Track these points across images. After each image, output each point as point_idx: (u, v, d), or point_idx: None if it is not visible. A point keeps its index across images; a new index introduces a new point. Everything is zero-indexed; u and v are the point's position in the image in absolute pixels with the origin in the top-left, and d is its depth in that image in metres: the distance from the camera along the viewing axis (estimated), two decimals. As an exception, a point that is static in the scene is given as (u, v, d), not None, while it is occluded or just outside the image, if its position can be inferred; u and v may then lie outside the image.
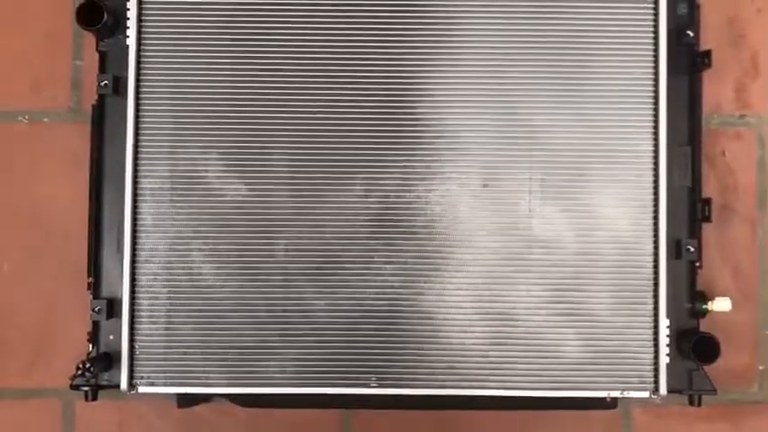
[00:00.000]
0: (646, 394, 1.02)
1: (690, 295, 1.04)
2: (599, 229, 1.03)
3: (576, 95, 1.03)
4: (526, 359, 1.02)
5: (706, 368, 1.02)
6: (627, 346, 1.02)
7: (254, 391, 1.02)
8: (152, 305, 1.02)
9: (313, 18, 1.03)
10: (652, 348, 1.02)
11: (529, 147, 1.03)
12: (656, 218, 1.02)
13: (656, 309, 1.02)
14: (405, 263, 1.02)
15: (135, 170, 1.02)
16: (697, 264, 1.04)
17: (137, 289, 1.02)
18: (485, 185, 1.03)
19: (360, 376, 1.02)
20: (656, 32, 1.03)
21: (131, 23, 1.03)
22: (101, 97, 1.04)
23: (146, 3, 1.03)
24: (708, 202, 1.04)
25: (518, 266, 1.02)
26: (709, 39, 1.08)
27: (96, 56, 1.05)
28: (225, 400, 1.06)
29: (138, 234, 1.02)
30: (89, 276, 1.03)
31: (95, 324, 1.03)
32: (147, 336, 1.02)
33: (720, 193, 1.10)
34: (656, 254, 1.02)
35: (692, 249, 1.03)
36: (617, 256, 1.03)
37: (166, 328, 1.02)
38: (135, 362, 1.01)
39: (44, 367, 1.10)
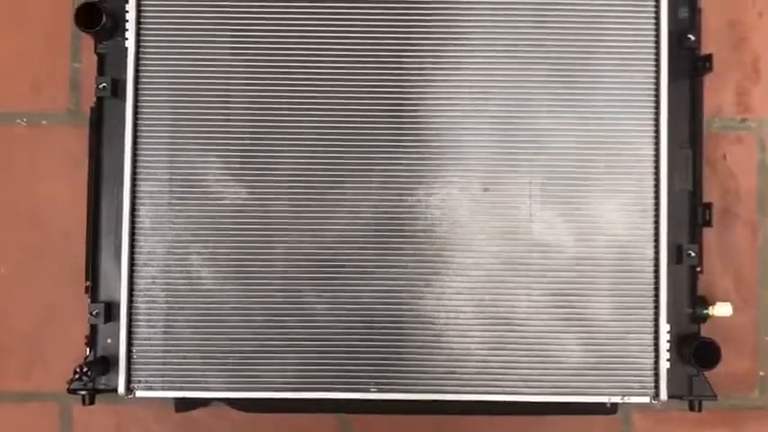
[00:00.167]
0: (646, 400, 1.01)
1: (690, 300, 1.03)
2: (599, 233, 1.02)
3: (577, 99, 1.03)
4: (526, 364, 1.01)
5: (706, 373, 1.02)
6: (627, 351, 1.02)
7: (252, 396, 1.01)
8: (150, 309, 1.02)
9: (312, 23, 1.03)
10: (652, 353, 1.01)
11: (529, 151, 1.03)
12: (656, 222, 1.02)
13: (656, 314, 1.01)
14: (405, 267, 1.02)
15: (133, 173, 1.02)
16: (698, 268, 1.03)
17: (135, 292, 1.01)
18: (485, 189, 1.03)
19: (359, 381, 1.01)
20: (657, 36, 1.03)
21: (130, 26, 1.02)
22: (99, 99, 1.04)
23: (145, 5, 1.03)
24: (709, 206, 1.03)
25: (518, 271, 1.02)
26: (710, 42, 1.08)
27: (95, 58, 1.04)
28: (223, 404, 1.05)
29: (136, 237, 1.02)
30: (87, 280, 1.03)
31: (93, 327, 1.02)
32: (144, 339, 1.01)
33: (721, 197, 1.10)
34: (656, 258, 1.02)
35: (693, 254, 1.03)
36: (617, 260, 1.02)
37: (164, 332, 1.01)
38: (132, 365, 1.01)
39: (42, 370, 1.09)
